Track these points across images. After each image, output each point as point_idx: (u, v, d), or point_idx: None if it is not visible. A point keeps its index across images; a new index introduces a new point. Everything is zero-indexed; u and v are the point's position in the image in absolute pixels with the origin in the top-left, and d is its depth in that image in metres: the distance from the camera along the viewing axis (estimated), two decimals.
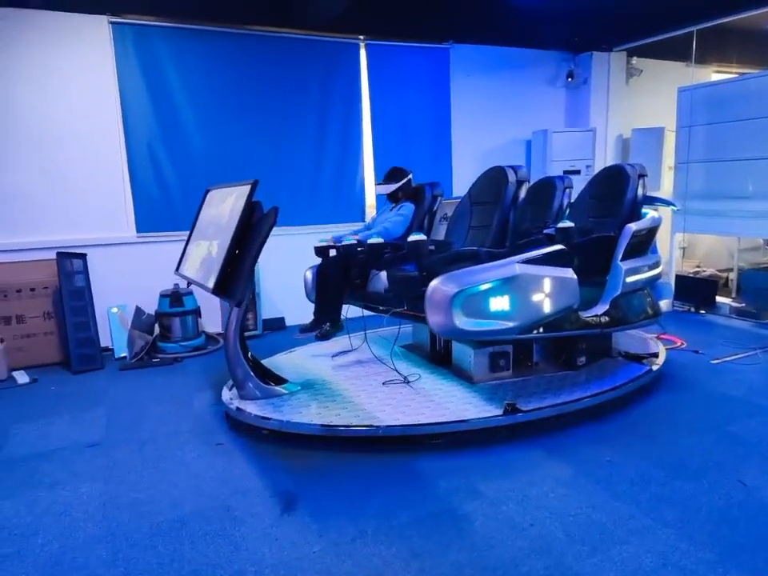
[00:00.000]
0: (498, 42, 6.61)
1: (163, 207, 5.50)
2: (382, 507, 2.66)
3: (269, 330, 5.96)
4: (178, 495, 2.83)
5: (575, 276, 3.34)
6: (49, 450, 3.39)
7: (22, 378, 4.65)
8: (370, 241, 3.79)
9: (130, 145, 5.29)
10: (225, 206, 3.44)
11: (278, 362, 4.39)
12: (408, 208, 4.34)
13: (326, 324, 4.22)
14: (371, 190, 6.27)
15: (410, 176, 4.47)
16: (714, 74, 7.74)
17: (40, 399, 4.25)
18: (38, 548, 2.46)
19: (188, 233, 5.36)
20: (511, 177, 3.57)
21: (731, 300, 6.35)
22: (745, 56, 7.63)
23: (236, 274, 3.03)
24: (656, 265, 4.01)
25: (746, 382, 4.06)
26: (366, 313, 4.42)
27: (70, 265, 5.04)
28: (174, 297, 5.26)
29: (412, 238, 3.35)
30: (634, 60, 7.15)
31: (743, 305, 6.07)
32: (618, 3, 5.73)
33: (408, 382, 3.78)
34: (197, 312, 5.42)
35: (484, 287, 3.07)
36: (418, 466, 3.03)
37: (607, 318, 3.61)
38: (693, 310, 6.11)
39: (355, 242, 4.06)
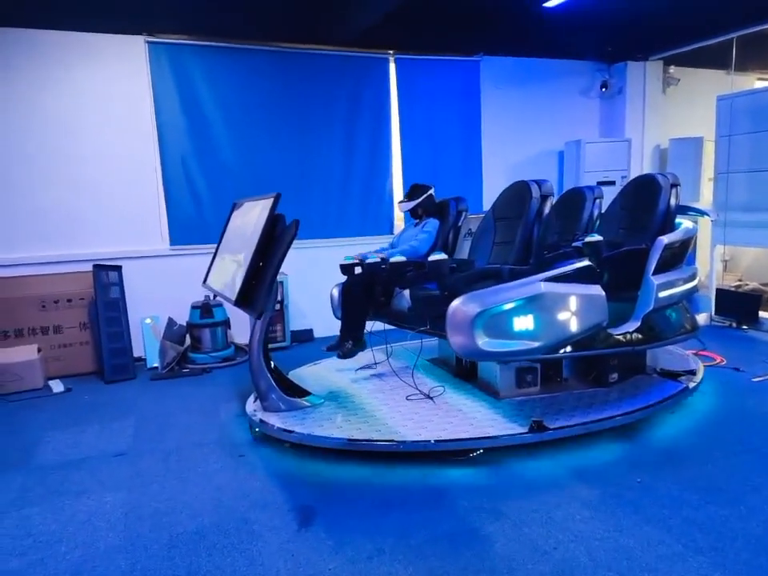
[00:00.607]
0: (529, 53, 6.55)
1: (196, 221, 5.61)
2: (400, 525, 2.61)
3: (297, 342, 5.99)
4: (199, 507, 2.84)
5: (603, 293, 3.23)
6: (78, 458, 3.46)
7: (57, 387, 4.78)
8: (392, 259, 3.76)
9: (164, 160, 5.44)
10: (249, 219, 3.48)
11: (303, 374, 4.39)
12: (432, 224, 4.30)
13: (348, 343, 4.21)
14: None
15: (432, 191, 4.43)
16: (758, 82, 7.49)
17: (73, 408, 4.36)
18: (60, 556, 2.49)
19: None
20: (535, 192, 3.50)
21: None
22: None
23: (257, 286, 3.05)
24: (692, 278, 3.85)
25: None
26: (388, 327, 4.39)
27: (106, 277, 5.17)
28: (205, 308, 5.34)
29: (433, 257, 3.31)
30: (672, 69, 6.98)
31: None
32: (653, 12, 5.62)
33: (431, 398, 3.73)
34: (226, 323, 5.48)
35: (507, 307, 3.00)
36: (439, 483, 2.97)
37: (639, 335, 3.48)
38: (734, 325, 5.86)
39: (379, 260, 4.04)
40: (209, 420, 4.00)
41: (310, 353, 5.28)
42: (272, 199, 3.05)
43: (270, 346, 5.34)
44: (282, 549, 2.47)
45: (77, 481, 3.17)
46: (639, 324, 3.48)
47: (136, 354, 5.26)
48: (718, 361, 4.74)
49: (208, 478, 3.14)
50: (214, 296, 3.88)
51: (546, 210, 3.45)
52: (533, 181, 3.57)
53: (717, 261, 6.37)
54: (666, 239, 3.58)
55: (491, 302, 3.00)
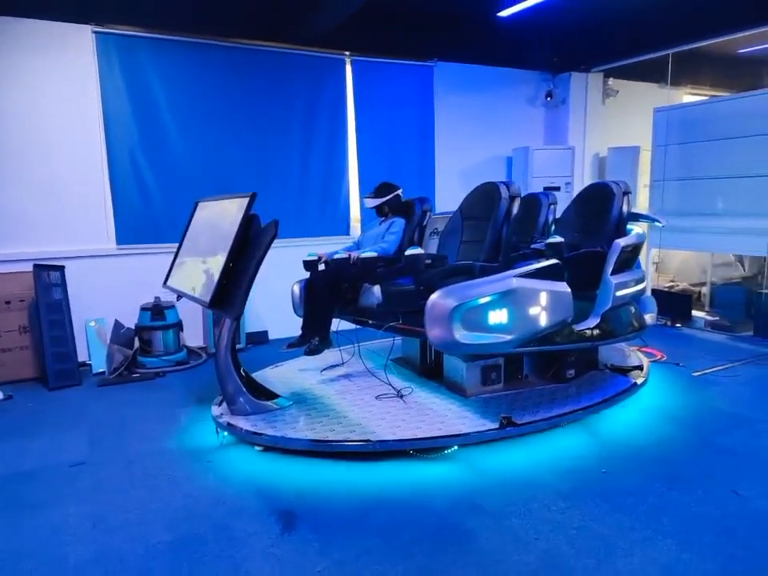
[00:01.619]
0: (481, 60, 6.73)
1: (145, 219, 5.39)
2: (383, 524, 2.62)
3: (252, 344, 5.88)
4: (171, 516, 2.74)
5: (569, 290, 3.39)
6: (30, 469, 3.25)
7: None
8: (363, 255, 3.77)
9: (111, 155, 5.19)
10: (219, 218, 3.39)
11: (266, 377, 4.32)
12: (399, 224, 4.35)
13: (314, 339, 4.17)
14: (356, 204, 6.28)
15: (400, 191, 4.48)
16: (686, 96, 8.02)
17: (17, 417, 4.09)
18: (26, 574, 2.34)
19: (171, 245, 5.30)
20: (504, 192, 3.61)
21: (705, 314, 6.53)
22: (716, 79, 7.94)
23: (234, 288, 2.98)
24: (641, 279, 4.10)
25: (728, 394, 4.16)
26: (353, 326, 4.39)
27: (48, 277, 4.88)
28: (156, 310, 5.15)
29: (409, 252, 3.35)
30: (611, 81, 7.36)
31: (717, 318, 6.24)
32: (597, 26, 5.93)
33: (401, 396, 3.76)
34: (179, 326, 5.30)
35: (483, 300, 3.09)
36: (416, 481, 3.00)
37: (598, 331, 3.67)
38: (669, 323, 6.26)
39: (347, 256, 4.04)
40: (168, 426, 3.85)
41: (267, 355, 5.20)
42: (247, 199, 2.98)
43: None
44: (267, 553, 2.43)
45: (31, 494, 2.98)
46: (599, 321, 3.67)
47: (80, 358, 5.00)
48: (659, 357, 5.04)
49: (177, 486, 3.03)
50: (177, 297, 3.75)
51: (515, 210, 3.57)
52: (501, 182, 3.68)
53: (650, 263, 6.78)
54: (622, 242, 3.79)
55: (468, 295, 3.08)
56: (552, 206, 4.82)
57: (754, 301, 5.89)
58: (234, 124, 5.61)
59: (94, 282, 5.20)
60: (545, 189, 6.39)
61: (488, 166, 6.96)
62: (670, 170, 6.47)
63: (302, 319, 4.41)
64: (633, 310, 4.09)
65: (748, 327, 5.85)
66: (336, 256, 4.10)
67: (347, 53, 6.01)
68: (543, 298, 3.27)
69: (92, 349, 5.13)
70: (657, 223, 4.43)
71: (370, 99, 6.17)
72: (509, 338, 3.18)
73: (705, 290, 7.05)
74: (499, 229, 3.53)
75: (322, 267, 4.33)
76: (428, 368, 4.22)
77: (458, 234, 3.88)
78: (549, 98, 7.19)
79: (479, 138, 6.89)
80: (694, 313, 6.43)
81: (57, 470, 3.24)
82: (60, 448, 3.54)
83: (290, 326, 5.56)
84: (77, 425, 3.91)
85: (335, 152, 6.06)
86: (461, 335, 3.05)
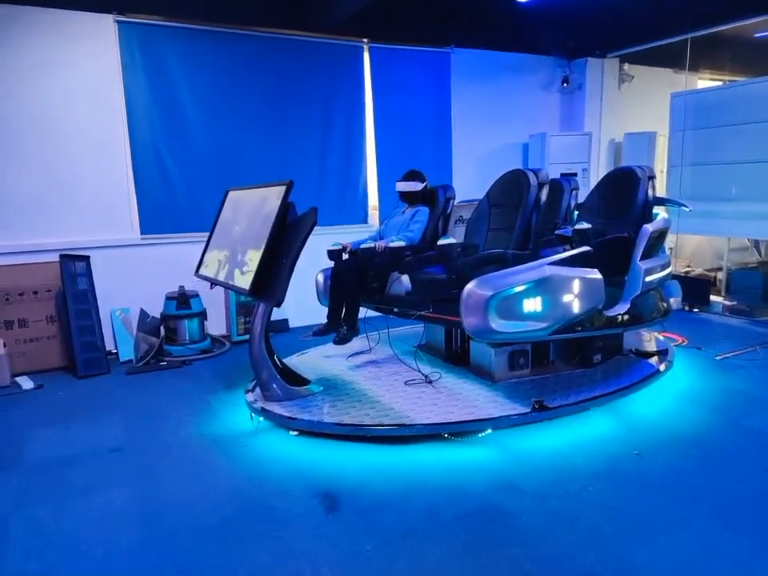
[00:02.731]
0: (497, 46, 6.70)
1: (168, 208, 5.43)
2: (425, 506, 2.68)
3: (272, 332, 5.89)
4: (216, 498, 2.81)
5: (601, 276, 3.42)
6: (72, 455, 3.32)
7: (26, 383, 4.54)
8: (392, 244, 3.80)
9: (134, 145, 5.21)
10: (254, 207, 3.42)
11: (294, 364, 4.35)
12: (423, 213, 4.36)
13: (343, 328, 4.23)
14: (374, 192, 6.29)
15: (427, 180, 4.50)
16: (701, 81, 7.98)
17: (50, 405, 4.16)
18: (81, 555, 2.41)
19: (194, 234, 5.38)
20: (533, 180, 3.63)
21: (723, 298, 6.55)
22: (732, 64, 7.89)
23: (273, 275, 3.02)
24: (668, 264, 4.13)
25: (751, 377, 4.21)
26: (378, 314, 4.43)
27: (73, 267, 4.93)
28: (182, 299, 5.20)
29: (442, 242, 3.39)
30: (626, 66, 7.33)
31: (735, 303, 6.27)
32: (615, 10, 5.89)
33: (430, 382, 3.82)
34: (203, 314, 5.36)
35: (517, 289, 3.13)
36: (452, 464, 3.06)
37: (627, 317, 3.71)
38: (687, 308, 6.28)
39: (374, 245, 4.07)
40: (201, 412, 3.92)
41: (288, 343, 5.25)
42: (284, 187, 3.02)
43: (247, 336, 5.30)
44: (316, 534, 2.49)
45: (77, 478, 3.05)
46: (629, 306, 3.70)
47: (107, 347, 5.06)
48: (680, 341, 5.08)
49: (217, 469, 3.10)
50: (212, 286, 3.79)
51: (543, 197, 3.60)
52: (529, 169, 3.70)
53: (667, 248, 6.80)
54: (650, 227, 3.82)
55: (503, 284, 3.12)
56: (574, 192, 4.83)
57: None
58: (254, 113, 5.62)
59: (119, 272, 5.25)
60: (562, 175, 6.40)
61: (504, 152, 6.96)
62: (687, 155, 6.46)
63: (327, 308, 4.46)
64: (659, 295, 4.12)
65: (766, 312, 5.87)
66: (363, 245, 4.13)
67: (365, 40, 6.00)
68: (576, 285, 3.31)
69: (118, 338, 5.20)
70: (684, 208, 4.44)
71: (387, 86, 6.17)
72: (543, 325, 3.23)
73: (720, 274, 7.07)
74: (528, 216, 3.55)
75: (345, 257, 4.36)
76: (454, 354, 4.27)
77: (486, 221, 3.91)
78: (565, 84, 7.17)
79: (495, 125, 6.88)
80: (712, 298, 6.45)
81: (98, 455, 3.30)
82: (97, 434, 3.61)
83: (309, 314, 5.63)
84: (110, 412, 3.98)
85: (353, 140, 6.07)
86: (497, 324, 3.10)
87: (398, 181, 4.43)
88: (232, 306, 5.56)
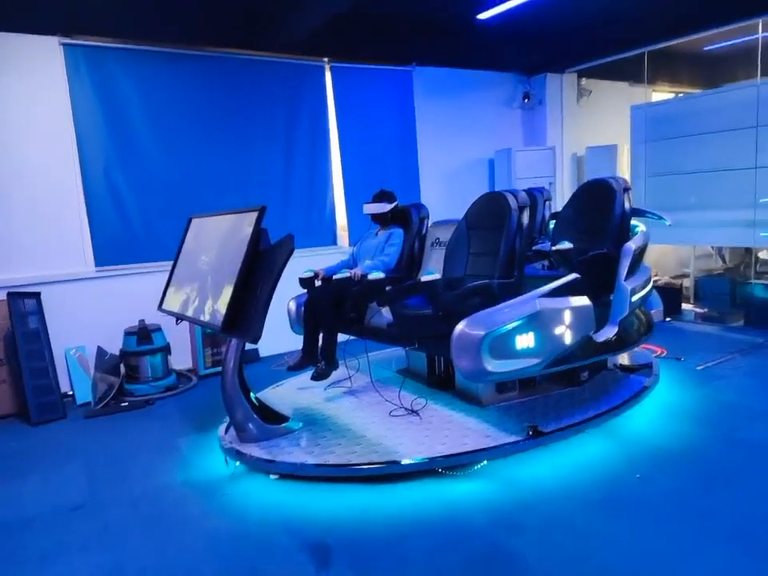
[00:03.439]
0: (458, 64, 6.68)
1: (124, 238, 5.12)
2: (425, 549, 2.48)
3: (243, 363, 5.62)
4: (194, 559, 2.54)
5: (590, 303, 3.32)
6: (25, 517, 2.98)
7: None
8: (370, 276, 3.60)
9: (85, 173, 4.90)
10: (223, 235, 3.19)
11: (268, 398, 4.10)
12: (398, 235, 4.20)
13: (321, 363, 4.01)
14: (342, 213, 6.13)
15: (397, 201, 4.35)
16: (654, 94, 8.16)
17: (1, 457, 3.78)
18: None
19: (153, 264, 5.10)
20: (513, 203, 3.52)
21: (693, 306, 6.61)
22: (689, 77, 8.11)
23: (249, 309, 2.79)
24: (650, 279, 4.07)
25: (735, 387, 4.17)
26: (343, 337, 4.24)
27: (23, 305, 4.59)
28: (142, 334, 4.87)
29: (426, 278, 3.23)
30: (584, 81, 7.43)
31: (706, 310, 6.32)
32: (574, 25, 5.93)
33: (416, 412, 3.62)
34: (167, 349, 5.04)
35: (510, 326, 2.99)
36: (449, 500, 2.86)
37: (616, 339, 3.60)
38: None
39: (349, 275, 3.87)
40: (170, 458, 3.61)
41: (259, 374, 4.99)
42: (256, 213, 2.81)
43: (217, 369, 5.00)
44: None
45: (33, 544, 2.73)
46: (617, 329, 3.60)
47: (63, 389, 4.69)
48: (660, 352, 5.04)
49: (193, 525, 2.81)
50: (177, 321, 3.52)
51: (525, 221, 3.49)
52: (507, 191, 3.59)
53: None
54: (633, 245, 3.74)
55: (494, 322, 2.97)
56: (547, 202, 4.79)
57: (743, 292, 5.98)
58: (213, 136, 5.39)
59: (72, 308, 4.90)
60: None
61: (471, 168, 6.92)
62: (650, 166, 6.54)
63: (302, 338, 4.23)
64: (642, 311, 4.06)
65: (737, 318, 5.94)
66: (337, 276, 3.92)
67: (326, 59, 5.87)
68: (567, 315, 3.19)
69: (74, 379, 4.83)
70: (664, 221, 4.39)
71: (351, 105, 6.04)
72: (536, 361, 3.09)
73: (687, 282, 7.15)
74: (512, 241, 3.43)
75: (318, 284, 4.15)
76: (437, 379, 4.10)
77: (465, 245, 3.76)
78: (526, 100, 7.20)
79: (461, 141, 6.83)
80: (683, 306, 6.49)
81: (57, 515, 2.97)
82: (55, 490, 3.27)
83: (280, 343, 5.38)
84: (69, 462, 3.64)
85: (318, 160, 5.90)
86: (491, 365, 2.95)
87: (366, 203, 4.26)
88: (198, 337, 5.26)
